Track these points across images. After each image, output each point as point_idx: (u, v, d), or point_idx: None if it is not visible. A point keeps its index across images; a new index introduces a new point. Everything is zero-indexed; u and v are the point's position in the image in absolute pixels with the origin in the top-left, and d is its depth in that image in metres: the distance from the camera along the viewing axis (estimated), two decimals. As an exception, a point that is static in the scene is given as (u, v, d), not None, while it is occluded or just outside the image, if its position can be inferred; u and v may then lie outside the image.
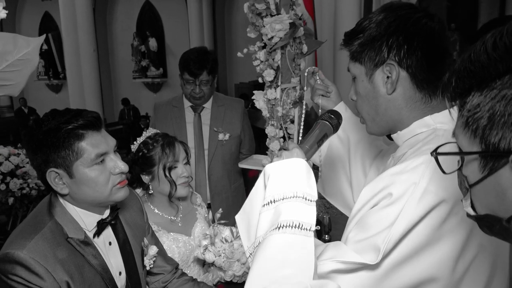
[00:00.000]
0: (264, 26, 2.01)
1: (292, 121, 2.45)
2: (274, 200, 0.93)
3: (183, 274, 1.66)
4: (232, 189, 2.74)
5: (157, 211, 1.81)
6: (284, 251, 0.86)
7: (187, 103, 2.69)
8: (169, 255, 1.71)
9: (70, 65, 8.25)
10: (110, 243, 1.36)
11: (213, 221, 1.84)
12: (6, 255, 1.12)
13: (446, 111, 1.00)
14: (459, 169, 0.70)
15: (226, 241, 1.71)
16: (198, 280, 1.81)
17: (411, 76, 1.01)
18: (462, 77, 0.63)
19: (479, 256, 0.94)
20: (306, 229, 0.88)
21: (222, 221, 1.82)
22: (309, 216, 0.90)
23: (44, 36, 0.88)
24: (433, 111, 1.03)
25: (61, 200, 1.26)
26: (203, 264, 1.86)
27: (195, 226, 1.87)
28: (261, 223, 0.93)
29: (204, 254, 1.68)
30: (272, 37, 2.03)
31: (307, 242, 0.87)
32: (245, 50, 2.18)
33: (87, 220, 1.27)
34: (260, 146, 2.95)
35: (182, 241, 1.79)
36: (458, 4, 6.73)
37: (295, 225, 0.87)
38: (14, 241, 1.15)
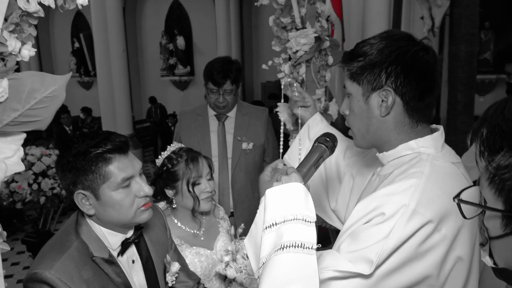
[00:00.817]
0: (289, 40, 2.00)
1: (316, 132, 2.44)
2: (275, 223, 1.01)
3: (205, 289, 1.69)
4: (255, 198, 2.75)
5: (180, 225, 1.84)
6: (289, 269, 0.94)
7: (211, 112, 2.72)
8: (191, 269, 1.73)
9: (100, 64, 8.41)
10: (133, 261, 1.39)
11: (235, 236, 1.86)
12: (35, 275, 1.16)
13: (428, 136, 1.14)
14: (481, 213, 0.71)
15: (248, 257, 1.72)
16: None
17: (404, 103, 1.12)
18: (494, 134, 0.62)
19: (457, 266, 1.07)
20: (308, 248, 0.97)
21: (244, 237, 1.82)
22: (310, 236, 0.99)
23: (70, 74, 0.91)
24: (417, 136, 1.14)
25: (87, 219, 1.30)
26: (224, 279, 1.87)
27: (218, 239, 1.89)
28: (264, 245, 1.01)
29: (226, 270, 1.70)
30: (297, 51, 2.02)
31: (310, 259, 0.96)
32: (270, 62, 2.18)
33: (112, 239, 1.31)
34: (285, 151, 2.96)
35: (205, 255, 1.81)
36: (491, 8, 6.51)
37: (298, 245, 0.96)
38: (42, 261, 1.20)
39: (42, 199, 4.02)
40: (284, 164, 1.26)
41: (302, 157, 1.35)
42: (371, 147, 1.26)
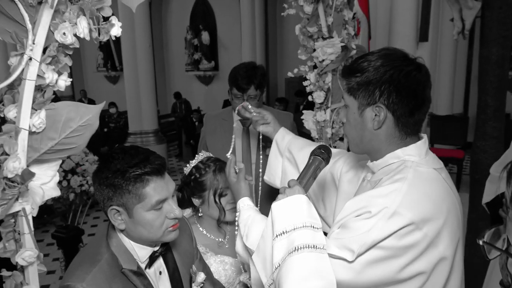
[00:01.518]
0: (315, 50, 1.99)
1: (342, 139, 2.42)
2: (286, 231, 1.14)
3: (229, 298, 1.72)
4: (279, 202, 2.76)
5: (205, 233, 1.87)
6: (307, 266, 1.07)
7: (236, 117, 2.73)
8: (216, 277, 1.76)
9: (127, 59, 8.53)
10: (160, 273, 1.43)
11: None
12: (68, 287, 1.21)
13: (412, 145, 1.25)
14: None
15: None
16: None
17: (395, 118, 1.22)
18: None
19: (440, 264, 1.17)
20: (320, 248, 1.11)
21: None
22: (320, 239, 1.13)
23: (103, 104, 0.94)
24: (404, 145, 1.25)
25: (118, 232, 1.34)
26: (248, 288, 1.90)
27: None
28: (276, 251, 1.14)
29: (250, 280, 1.72)
30: (323, 60, 2.01)
31: (324, 257, 1.10)
32: (295, 70, 2.18)
33: (140, 252, 1.35)
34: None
35: (229, 263, 1.84)
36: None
37: (310, 246, 1.09)
38: (75, 272, 1.24)
39: (71, 196, 4.13)
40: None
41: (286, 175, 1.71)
42: (363, 153, 1.37)
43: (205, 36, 11.91)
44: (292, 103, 10.15)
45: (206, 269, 1.67)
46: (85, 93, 12.08)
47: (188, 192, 1.86)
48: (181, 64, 12.70)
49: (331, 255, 1.14)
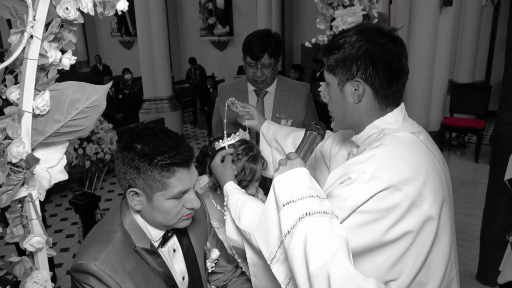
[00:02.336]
0: (334, 18, 1.89)
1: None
2: (292, 200, 1.15)
3: (243, 273, 1.71)
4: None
5: (219, 208, 1.84)
6: (324, 227, 1.09)
7: (250, 87, 2.66)
8: (230, 252, 1.75)
9: (141, 24, 8.38)
10: (174, 250, 1.42)
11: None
12: (81, 266, 1.20)
13: (390, 113, 1.29)
14: None
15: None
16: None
17: (373, 91, 1.25)
18: None
19: (427, 224, 1.19)
20: (330, 214, 1.13)
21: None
22: (327, 206, 1.16)
23: (110, 84, 0.88)
24: (383, 116, 1.29)
25: (132, 211, 1.32)
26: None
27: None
28: (285, 220, 1.15)
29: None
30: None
31: (336, 221, 1.13)
32: (313, 40, 2.08)
33: (154, 232, 1.33)
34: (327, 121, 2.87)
35: (243, 238, 1.82)
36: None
37: (321, 211, 1.12)
38: (88, 251, 1.24)
39: (87, 163, 4.17)
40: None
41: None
42: (348, 128, 1.41)
43: (220, 0, 11.61)
44: (309, 70, 9.94)
45: (220, 244, 1.66)
46: (99, 58, 12.02)
47: (211, 165, 1.75)
48: (196, 29, 12.49)
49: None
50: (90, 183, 4.61)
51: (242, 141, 1.76)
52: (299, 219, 1.11)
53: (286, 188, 1.19)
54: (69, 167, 4.15)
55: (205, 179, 1.90)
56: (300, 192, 1.16)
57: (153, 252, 1.33)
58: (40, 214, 0.82)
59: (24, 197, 0.80)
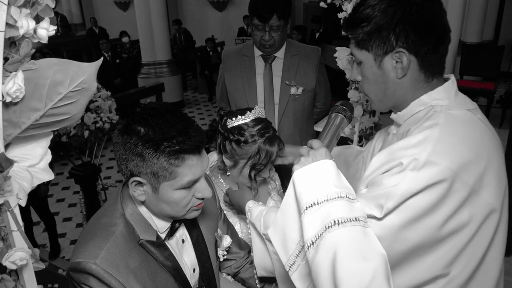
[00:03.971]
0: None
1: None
2: (317, 202, 0.98)
3: (255, 259, 1.59)
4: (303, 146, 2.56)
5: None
6: (358, 241, 0.93)
7: (257, 52, 2.45)
8: (241, 235, 1.63)
9: (136, -17, 8.00)
10: (183, 241, 1.28)
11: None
12: (79, 265, 1.06)
13: (439, 88, 1.11)
14: None
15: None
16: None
17: (419, 59, 1.07)
18: None
19: (491, 217, 1.04)
20: (363, 221, 0.97)
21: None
22: (359, 210, 0.99)
23: (100, 60, 0.70)
24: (431, 89, 1.11)
25: (134, 201, 1.17)
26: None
27: (268, 202, 1.76)
28: (308, 226, 0.98)
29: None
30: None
31: (370, 231, 0.97)
32: (329, 0, 1.86)
33: (160, 223, 1.19)
34: (336, 91, 2.67)
35: (254, 220, 1.69)
36: None
37: (352, 219, 0.95)
38: (86, 248, 1.09)
39: (86, 133, 4.02)
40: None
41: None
42: (389, 109, 1.23)
43: (218, -44, 11.06)
44: (309, 30, 9.57)
45: (231, 229, 1.53)
46: (95, 21, 11.57)
47: (222, 145, 1.60)
48: (193, -12, 11.99)
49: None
50: (90, 153, 4.47)
51: (258, 120, 1.57)
52: (326, 228, 0.95)
53: (309, 186, 1.03)
54: (68, 137, 4.01)
55: (214, 157, 1.74)
56: (327, 191, 1.00)
57: (160, 244, 1.19)
58: (21, 223, 0.67)
59: (1, 205, 0.64)
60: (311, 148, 1.13)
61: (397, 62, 1.08)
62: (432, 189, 0.96)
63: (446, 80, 1.15)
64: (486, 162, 1.02)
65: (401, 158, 1.00)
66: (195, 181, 1.10)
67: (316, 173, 1.05)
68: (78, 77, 0.66)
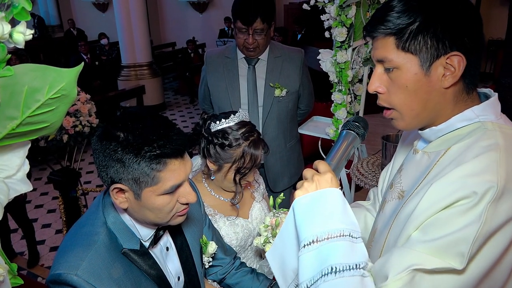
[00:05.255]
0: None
1: (360, 81, 2.16)
2: (317, 240, 0.86)
3: (242, 264, 1.57)
4: (287, 148, 2.55)
5: (213, 193, 1.67)
6: None
7: (240, 54, 2.43)
8: (226, 241, 1.61)
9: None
10: (167, 249, 1.25)
11: (274, 207, 1.69)
12: (59, 277, 1.03)
13: (485, 103, 0.95)
14: None
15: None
16: (253, 266, 1.72)
17: (467, 68, 0.90)
18: None
19: None
20: (362, 268, 0.84)
21: (283, 210, 1.66)
22: (361, 254, 0.86)
23: (81, 65, 0.67)
24: (472, 104, 0.95)
25: (117, 208, 1.14)
26: (261, 253, 1.75)
27: (253, 207, 1.74)
28: (304, 266, 0.86)
29: (264, 246, 1.56)
30: (346, -11, 1.69)
31: (368, 280, 0.85)
32: (312, 2, 1.86)
33: (143, 231, 1.16)
34: (320, 92, 2.66)
35: (240, 225, 1.67)
36: None
37: (352, 266, 0.83)
38: (67, 259, 1.05)
39: (65, 137, 3.93)
40: None
41: None
42: (421, 126, 1.02)
43: (198, -42, 11.02)
44: (290, 32, 9.60)
45: (216, 235, 1.50)
46: (73, 23, 11.37)
47: (206, 149, 1.57)
48: (173, -11, 11.91)
49: (423, 270, 0.83)
50: (69, 157, 4.38)
51: (242, 124, 1.55)
52: (322, 275, 0.83)
53: (309, 219, 0.89)
54: (46, 142, 3.92)
55: (197, 161, 1.71)
56: (328, 228, 0.85)
57: (144, 253, 1.15)
58: (-3, 238, 0.63)
59: (-25, 219, 0.61)
60: (317, 171, 0.96)
61: (450, 67, 0.90)
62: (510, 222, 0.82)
63: (483, 94, 1.01)
64: None
65: (472, 187, 0.82)
66: (178, 186, 1.07)
67: (318, 204, 0.90)
68: (57, 84, 0.63)
